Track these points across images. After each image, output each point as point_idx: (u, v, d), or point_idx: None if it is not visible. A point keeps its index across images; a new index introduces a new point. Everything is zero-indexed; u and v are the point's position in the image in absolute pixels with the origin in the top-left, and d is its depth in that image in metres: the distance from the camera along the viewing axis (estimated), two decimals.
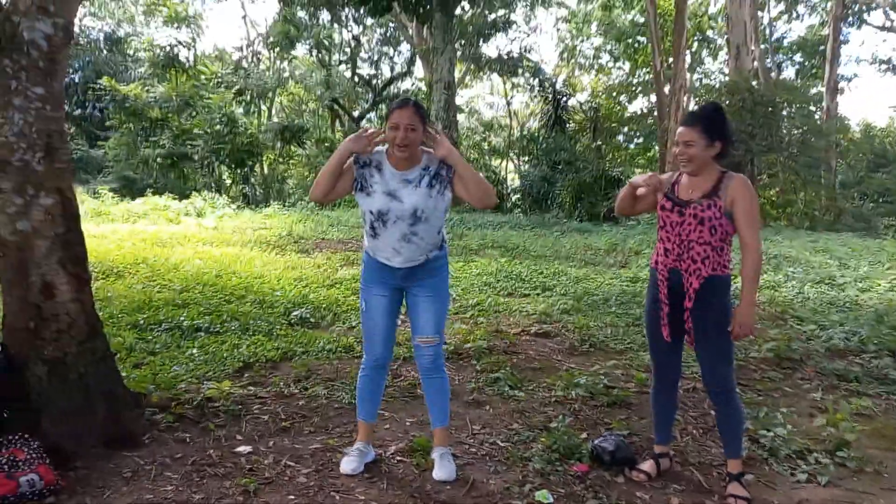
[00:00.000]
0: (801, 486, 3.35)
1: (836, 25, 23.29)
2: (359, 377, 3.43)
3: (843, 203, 19.57)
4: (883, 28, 28.85)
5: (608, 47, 30.58)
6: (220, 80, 24.10)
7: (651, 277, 3.33)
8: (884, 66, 26.42)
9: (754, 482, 3.37)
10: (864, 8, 27.93)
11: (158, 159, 21.22)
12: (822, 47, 26.50)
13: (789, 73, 31.07)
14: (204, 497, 2.99)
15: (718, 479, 3.38)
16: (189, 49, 26.34)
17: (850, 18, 27.19)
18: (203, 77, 23.49)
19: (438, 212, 3.15)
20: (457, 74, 25.14)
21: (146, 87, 22.21)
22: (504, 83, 29.65)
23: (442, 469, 3.29)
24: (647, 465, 3.37)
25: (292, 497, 3.03)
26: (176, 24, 26.44)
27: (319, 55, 28.79)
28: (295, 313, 6.22)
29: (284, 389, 4.36)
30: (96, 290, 6.66)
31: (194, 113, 21.95)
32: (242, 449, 3.49)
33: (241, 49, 30.11)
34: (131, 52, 28.12)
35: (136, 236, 10.73)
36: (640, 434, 3.89)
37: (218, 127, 20.72)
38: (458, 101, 27.26)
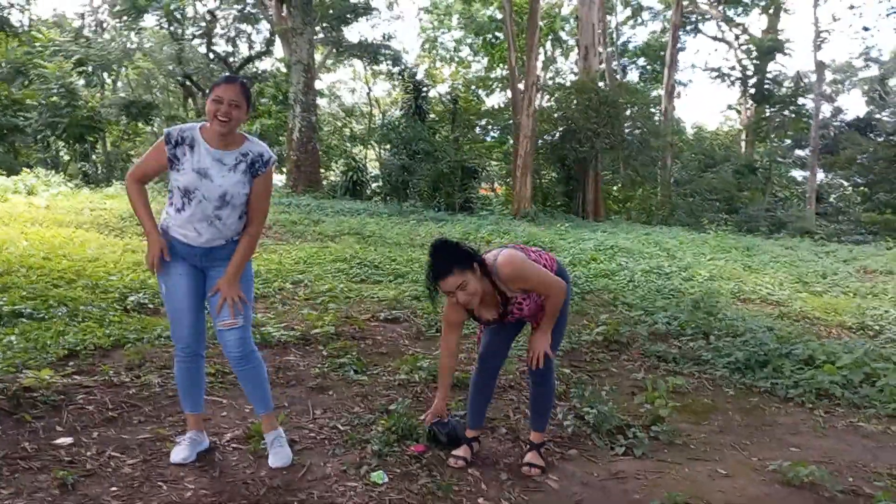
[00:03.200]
0: (618, 459, 3.62)
1: (675, 33, 25.05)
2: (175, 369, 3.23)
3: (676, 200, 21.17)
4: (715, 38, 31.43)
5: (468, 41, 31.20)
6: (57, 48, 22.24)
7: None
8: (714, 74, 28.69)
9: (577, 456, 3.61)
10: (699, 18, 30.24)
11: None
12: (662, 53, 28.43)
13: (633, 75, 33.18)
14: (14, 492, 2.79)
15: (546, 454, 3.58)
16: (22, 12, 24.13)
17: (688, 27, 29.34)
18: (38, 44, 21.62)
19: (244, 198, 3.06)
20: (318, 58, 24.73)
21: None
22: (365, 70, 29.50)
23: (276, 456, 3.24)
24: (463, 451, 3.45)
25: (115, 489, 2.89)
26: None
27: (171, 28, 27.24)
28: (132, 299, 5.91)
29: (114, 378, 4.13)
30: None
31: (27, 82, 20.15)
32: (62, 441, 3.28)
33: (82, 16, 27.91)
34: None
35: None
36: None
37: (55, 98, 19.12)
38: (319, 84, 26.85)
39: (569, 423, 3.94)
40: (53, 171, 17.90)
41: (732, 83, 28.68)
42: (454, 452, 3.45)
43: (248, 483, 3.05)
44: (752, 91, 27.30)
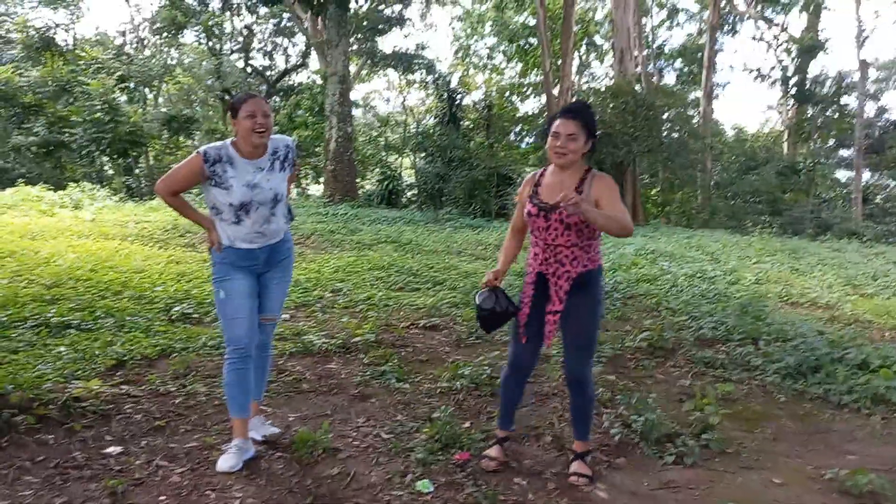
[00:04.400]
0: (668, 468, 3.53)
1: (713, 34, 24.68)
2: (225, 372, 3.31)
3: (717, 202, 20.80)
4: (754, 38, 30.94)
5: (501, 47, 31.16)
6: (100, 65, 22.77)
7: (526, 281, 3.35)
8: (754, 75, 28.20)
9: (625, 465, 3.53)
10: (737, 19, 29.78)
11: (33, 148, 19.87)
12: (699, 54, 28.03)
13: (670, 78, 32.77)
14: (66, 500, 2.83)
15: (593, 462, 3.51)
16: (67, 31, 24.85)
17: (725, 28, 28.88)
18: (82, 62, 22.19)
19: (285, 191, 3.37)
20: (352, 68, 24.94)
21: (19, 71, 20.75)
22: (400, 79, 29.67)
23: (267, 429, 3.60)
24: (495, 451, 3.42)
25: (164, 497, 2.92)
26: (53, 5, 24.87)
27: (210, 43, 27.77)
28: (176, 309, 5.98)
29: (160, 387, 4.18)
30: None
31: (72, 99, 20.68)
32: (112, 450, 3.32)
33: (123, 34, 28.59)
34: (3, 34, 26.13)
35: (4, 228, 9.99)
36: (520, 422, 3.98)
37: (98, 115, 19.55)
38: (354, 95, 27.04)
39: (616, 431, 3.87)
40: (98, 186, 18.32)
41: (773, 83, 28.16)
42: (486, 453, 3.42)
43: (294, 491, 3.05)
44: (794, 91, 26.77)
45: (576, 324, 3.21)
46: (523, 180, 3.42)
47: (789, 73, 27.12)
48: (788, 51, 27.34)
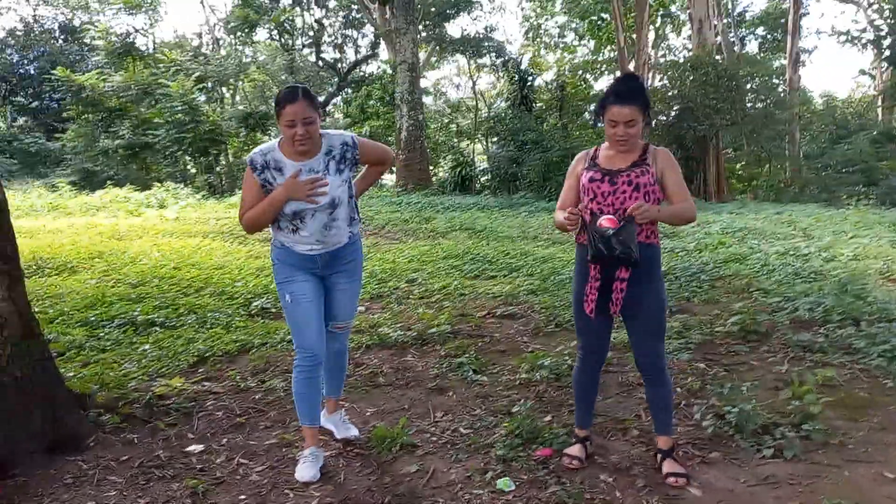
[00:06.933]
0: (767, 462, 3.29)
1: None
2: (294, 380, 3.16)
3: (806, 175, 19.77)
4: (842, 0, 29.15)
5: (573, 25, 30.47)
6: (179, 67, 23.52)
7: (579, 254, 3.15)
8: (843, 38, 26.56)
9: (720, 460, 3.32)
10: None
11: (119, 150, 20.73)
12: (783, 20, 26.66)
13: (752, 46, 31.30)
14: (149, 501, 2.85)
15: (684, 458, 3.31)
16: (146, 36, 25.80)
17: None
18: (162, 65, 22.96)
19: (347, 193, 3.09)
20: (421, 56, 24.91)
21: (103, 77, 21.67)
22: (469, 64, 29.45)
23: (348, 430, 3.47)
24: (577, 450, 3.26)
25: (243, 497, 2.91)
26: (132, 11, 25.84)
27: (282, 39, 28.30)
28: (255, 303, 6.07)
29: (241, 383, 4.22)
30: (48, 287, 6.47)
31: (154, 102, 21.44)
32: (193, 448, 3.35)
33: (200, 35, 29.49)
34: (87, 41, 27.35)
35: (93, 230, 10.43)
36: (605, 414, 3.82)
37: (179, 115, 20.23)
38: (424, 83, 27.04)
39: (708, 423, 3.64)
40: (182, 185, 18.96)
41: (864, 46, 26.50)
42: (567, 451, 3.26)
43: (372, 490, 2.99)
44: (887, 53, 25.12)
45: (643, 308, 3.03)
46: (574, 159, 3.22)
47: (882, 34, 25.45)
48: (881, 10, 25.63)
